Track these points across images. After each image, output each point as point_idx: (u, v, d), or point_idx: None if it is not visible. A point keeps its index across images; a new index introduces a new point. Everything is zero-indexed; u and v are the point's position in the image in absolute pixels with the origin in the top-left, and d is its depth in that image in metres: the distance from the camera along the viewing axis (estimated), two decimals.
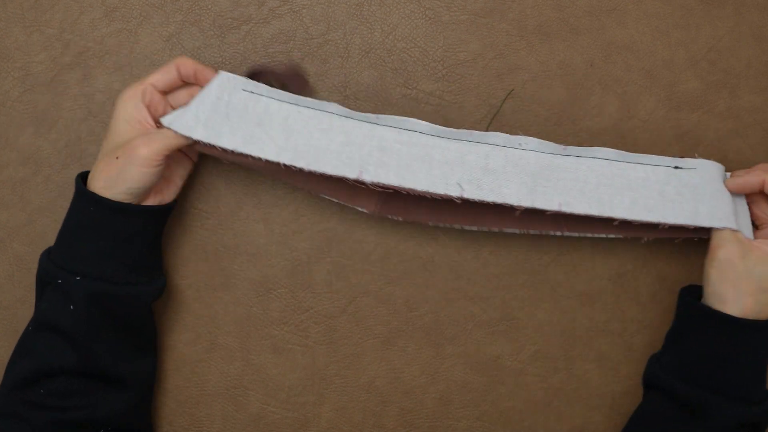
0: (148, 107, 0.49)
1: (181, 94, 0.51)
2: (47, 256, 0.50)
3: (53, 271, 0.49)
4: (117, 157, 0.48)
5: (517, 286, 0.56)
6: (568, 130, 0.55)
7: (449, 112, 0.55)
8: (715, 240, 0.50)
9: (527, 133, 0.55)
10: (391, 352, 0.56)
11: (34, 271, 0.52)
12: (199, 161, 0.54)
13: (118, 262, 0.49)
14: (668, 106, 0.56)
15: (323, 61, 0.56)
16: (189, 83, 0.51)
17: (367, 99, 0.56)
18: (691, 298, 0.52)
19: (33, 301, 0.51)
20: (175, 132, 0.49)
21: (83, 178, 0.50)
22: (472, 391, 0.55)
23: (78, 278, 0.48)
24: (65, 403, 0.48)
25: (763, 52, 0.56)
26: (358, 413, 0.55)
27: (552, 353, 0.55)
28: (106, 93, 0.55)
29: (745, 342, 0.49)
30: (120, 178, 0.48)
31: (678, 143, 0.55)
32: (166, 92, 0.51)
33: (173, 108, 0.51)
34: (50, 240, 0.54)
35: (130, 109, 0.49)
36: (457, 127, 0.51)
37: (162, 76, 0.50)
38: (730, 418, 0.49)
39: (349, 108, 0.51)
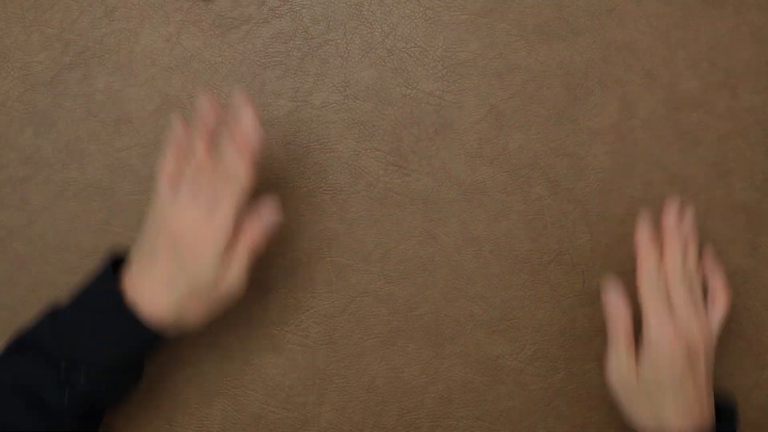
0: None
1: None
2: (52, 328, 0.47)
3: (57, 353, 0.46)
4: (220, 297, 0.47)
5: (517, 286, 0.56)
6: (568, 129, 0.55)
7: (449, 112, 0.55)
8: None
9: (528, 132, 0.55)
10: (391, 351, 0.56)
11: (34, 271, 0.52)
12: None
13: (124, 372, 0.48)
14: (668, 106, 0.56)
15: (323, 61, 0.56)
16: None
17: (367, 99, 0.56)
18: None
19: (33, 301, 0.51)
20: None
21: (116, 262, 0.48)
22: (472, 391, 0.55)
23: (86, 375, 0.46)
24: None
25: (763, 52, 0.56)
26: (359, 413, 0.55)
27: (552, 353, 0.56)
28: (105, 93, 0.56)
29: None
30: (196, 316, 0.48)
31: (678, 143, 0.56)
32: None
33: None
34: (50, 241, 0.55)
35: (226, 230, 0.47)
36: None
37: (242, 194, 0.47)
38: None
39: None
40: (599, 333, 0.56)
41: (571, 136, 0.55)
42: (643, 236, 0.50)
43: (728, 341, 0.56)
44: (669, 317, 0.48)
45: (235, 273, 0.47)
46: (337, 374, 0.55)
